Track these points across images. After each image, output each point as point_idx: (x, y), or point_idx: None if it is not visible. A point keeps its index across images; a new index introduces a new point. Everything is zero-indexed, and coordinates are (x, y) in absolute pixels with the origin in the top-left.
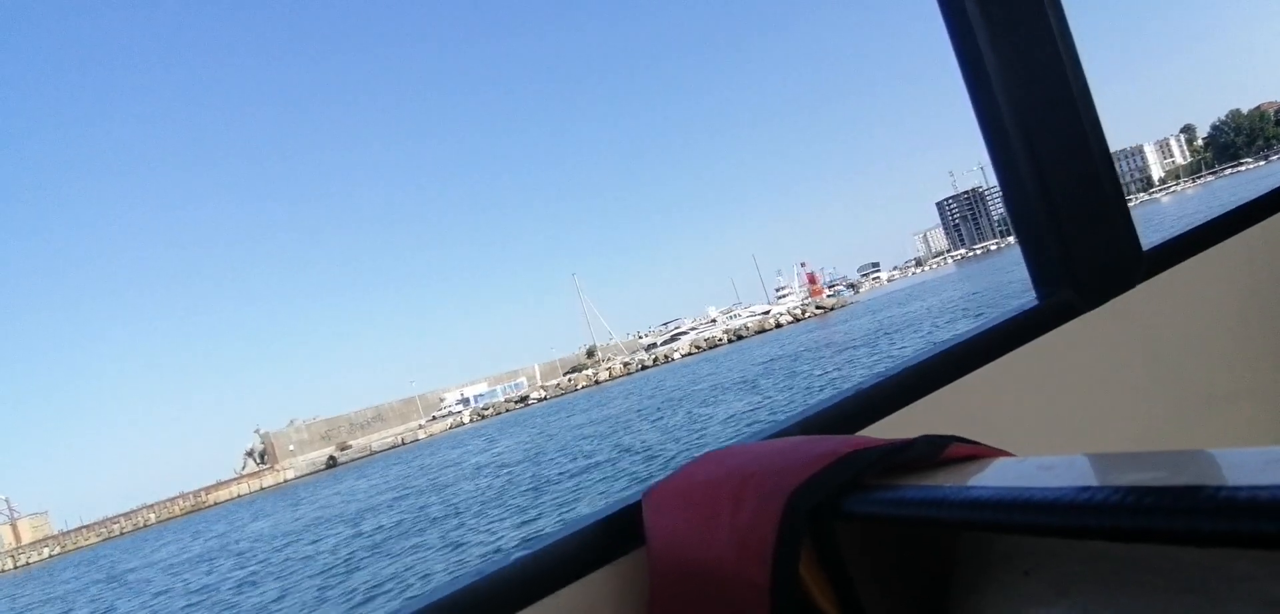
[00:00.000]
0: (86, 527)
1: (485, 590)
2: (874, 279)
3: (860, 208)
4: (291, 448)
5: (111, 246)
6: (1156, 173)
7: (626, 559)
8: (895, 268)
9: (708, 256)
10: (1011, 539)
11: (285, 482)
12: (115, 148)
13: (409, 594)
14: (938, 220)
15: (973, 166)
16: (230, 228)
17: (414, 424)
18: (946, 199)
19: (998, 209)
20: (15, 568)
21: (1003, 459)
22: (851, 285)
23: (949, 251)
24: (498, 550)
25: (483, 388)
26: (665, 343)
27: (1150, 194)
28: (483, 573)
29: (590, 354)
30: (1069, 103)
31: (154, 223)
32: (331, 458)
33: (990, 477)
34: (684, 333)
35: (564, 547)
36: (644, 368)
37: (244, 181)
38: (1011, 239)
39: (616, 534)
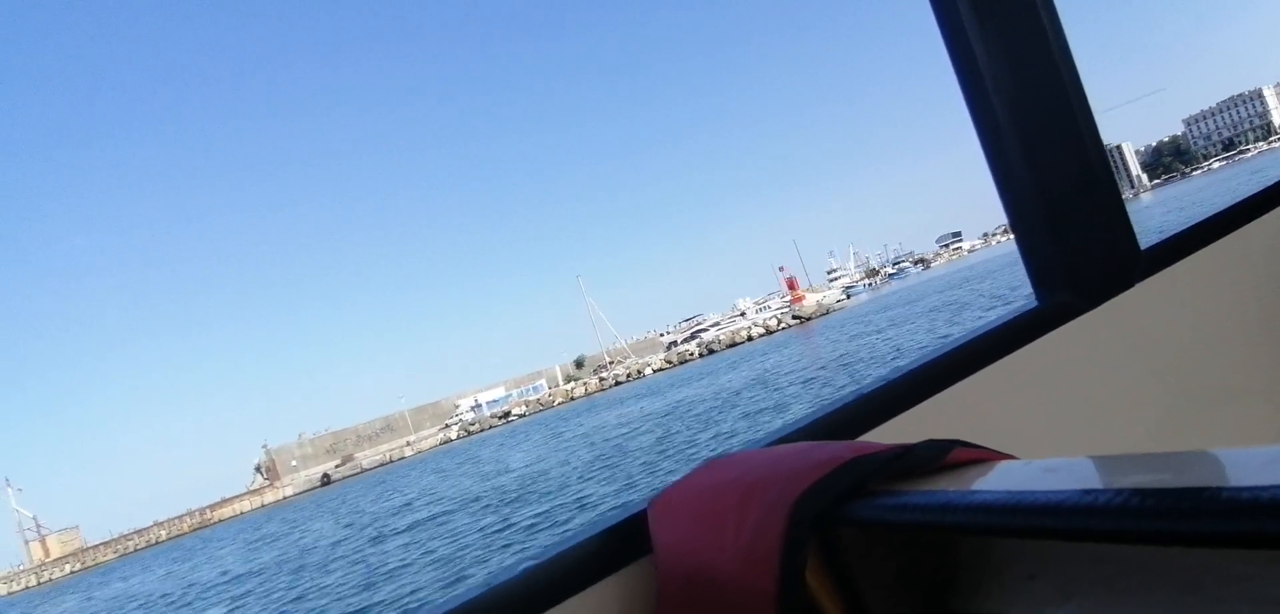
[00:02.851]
0: (104, 544)
1: (492, 602)
2: (955, 250)
3: (949, 173)
4: (293, 463)
5: (133, 259)
6: (1279, 118)
7: (633, 567)
8: (984, 234)
9: (747, 244)
10: (1016, 543)
11: (284, 499)
12: (124, 161)
13: None
14: None
15: None
16: (250, 238)
17: (401, 441)
18: None
19: None
20: (39, 584)
21: (1006, 462)
22: (919, 260)
23: None
24: None
25: (499, 392)
26: (685, 341)
27: (1270, 142)
28: (490, 584)
29: (579, 365)
30: (1064, 102)
31: (173, 235)
32: (325, 475)
33: (994, 480)
34: (704, 330)
35: (570, 556)
36: (618, 383)
37: (256, 191)
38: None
39: (623, 543)
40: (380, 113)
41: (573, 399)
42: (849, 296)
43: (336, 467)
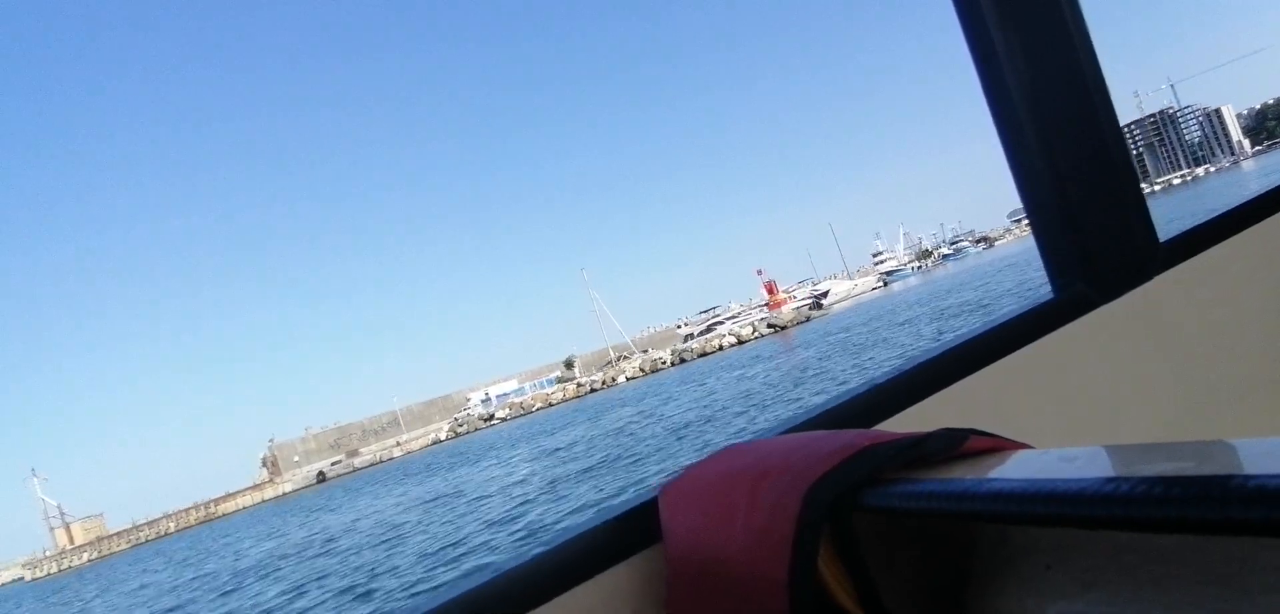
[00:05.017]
0: (118, 533)
1: (503, 587)
2: (1026, 225)
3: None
4: (296, 459)
5: (150, 253)
6: None
7: (643, 555)
8: None
9: (780, 230)
10: (1033, 532)
11: (283, 495)
12: (134, 157)
13: None
14: None
15: (1161, 84)
16: (267, 231)
17: (392, 441)
18: (1127, 125)
19: (1191, 132)
20: (60, 571)
21: (1023, 451)
22: (982, 239)
23: None
24: None
25: (512, 384)
26: (702, 333)
27: None
28: (500, 570)
29: (568, 365)
30: (1083, 91)
31: (188, 227)
32: (321, 473)
33: (1011, 468)
34: (721, 322)
35: (581, 543)
36: (593, 390)
37: (270, 185)
38: (1201, 170)
39: (633, 530)
40: (395, 107)
41: (551, 404)
42: (886, 284)
43: (333, 464)
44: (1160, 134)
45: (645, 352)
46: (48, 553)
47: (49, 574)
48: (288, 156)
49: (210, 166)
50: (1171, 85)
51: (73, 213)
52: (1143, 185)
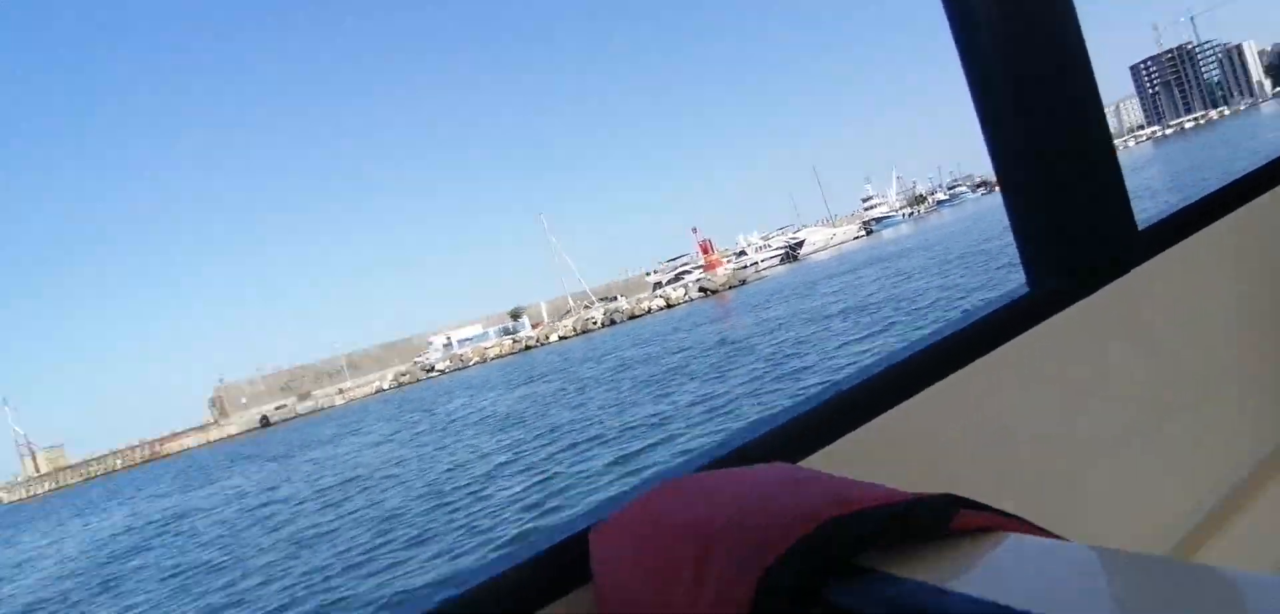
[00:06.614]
0: (70, 467)
1: None
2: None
3: None
4: (243, 400)
5: (118, 186)
6: None
7: (569, 598)
8: None
9: (764, 172)
10: None
11: (228, 436)
12: (96, 88)
13: None
14: (1132, 88)
15: (1181, 17)
16: (232, 173)
17: (333, 389)
18: (1144, 61)
19: (1210, 71)
20: (27, 497)
21: (1014, 537)
22: (982, 183)
23: (1139, 129)
24: None
25: (476, 329)
26: (670, 281)
27: None
28: (411, 610)
29: (515, 316)
30: (1064, 71)
31: (160, 163)
32: (264, 418)
33: (1004, 560)
34: (688, 271)
35: (499, 584)
36: (527, 348)
37: (247, 120)
38: (1216, 113)
39: (559, 569)
40: (364, 51)
41: (486, 360)
42: (869, 233)
43: (277, 408)
44: (1177, 72)
45: (614, 299)
46: (19, 479)
47: (19, 500)
48: (261, 92)
49: (180, 103)
50: (1191, 19)
51: (33, 145)
52: (1155, 127)
